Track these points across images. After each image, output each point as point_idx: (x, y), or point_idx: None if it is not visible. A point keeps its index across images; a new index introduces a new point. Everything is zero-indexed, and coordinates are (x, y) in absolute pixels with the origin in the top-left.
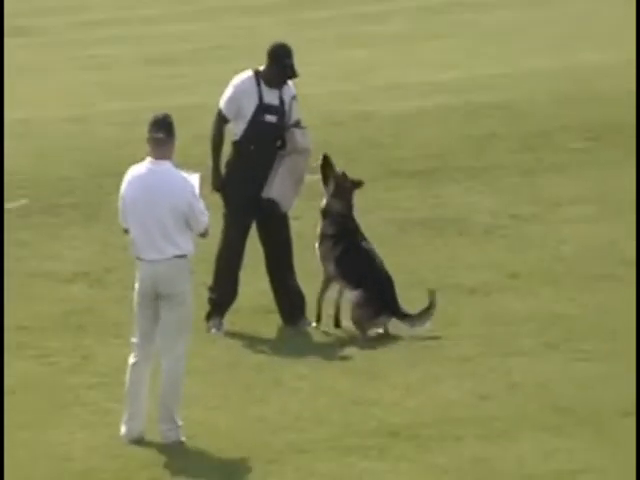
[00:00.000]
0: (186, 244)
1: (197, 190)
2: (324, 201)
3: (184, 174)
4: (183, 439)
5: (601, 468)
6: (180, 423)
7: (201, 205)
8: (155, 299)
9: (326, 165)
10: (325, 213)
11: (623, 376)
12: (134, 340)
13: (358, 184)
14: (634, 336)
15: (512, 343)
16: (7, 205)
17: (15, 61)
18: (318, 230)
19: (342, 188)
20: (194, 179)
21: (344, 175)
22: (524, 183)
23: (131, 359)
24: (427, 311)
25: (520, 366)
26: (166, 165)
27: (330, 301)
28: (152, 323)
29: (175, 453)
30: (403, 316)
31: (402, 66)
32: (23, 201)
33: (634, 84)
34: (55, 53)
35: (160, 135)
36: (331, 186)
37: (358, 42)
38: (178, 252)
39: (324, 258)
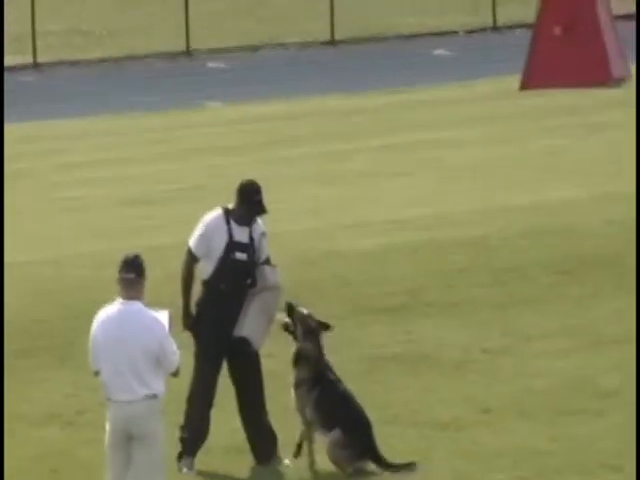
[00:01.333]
0: (157, 384)
1: (167, 328)
2: (296, 347)
3: (154, 313)
4: None
5: None
6: None
7: (172, 345)
8: (127, 440)
9: (290, 311)
10: (296, 359)
11: None
12: None
13: (325, 326)
14: (611, 470)
15: (485, 478)
16: None
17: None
18: (292, 378)
19: (308, 329)
20: (163, 316)
21: (309, 316)
22: (495, 317)
23: None
24: (409, 466)
25: None
26: (137, 305)
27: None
28: (124, 465)
29: None
30: (385, 465)
31: (369, 203)
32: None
33: (602, 219)
34: (37, 196)
35: (130, 275)
36: (298, 330)
37: (326, 180)
38: (149, 392)
39: (301, 405)
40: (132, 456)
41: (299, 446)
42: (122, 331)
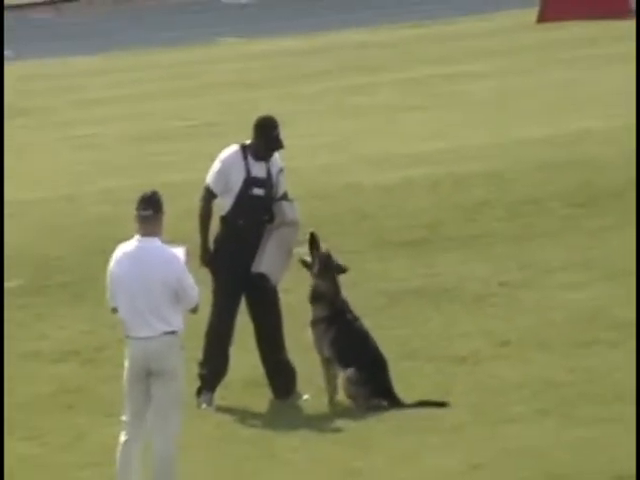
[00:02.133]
0: (176, 320)
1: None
2: (311, 283)
3: (172, 249)
4: None
5: None
6: None
7: (191, 280)
8: (146, 377)
9: (312, 243)
10: (313, 298)
11: (616, 441)
12: (124, 418)
13: (342, 269)
14: (627, 400)
15: (504, 411)
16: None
17: (15, 142)
18: (310, 316)
19: (326, 268)
20: (180, 252)
21: (329, 256)
22: (514, 250)
23: (122, 437)
24: (420, 404)
25: (512, 433)
26: (155, 242)
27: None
28: (143, 401)
29: None
30: (397, 404)
31: (388, 137)
32: (17, 281)
33: (620, 150)
34: (51, 133)
35: (148, 212)
36: (316, 266)
37: (344, 114)
38: (168, 328)
39: (319, 342)
40: (151, 392)
41: (328, 381)
42: (140, 267)
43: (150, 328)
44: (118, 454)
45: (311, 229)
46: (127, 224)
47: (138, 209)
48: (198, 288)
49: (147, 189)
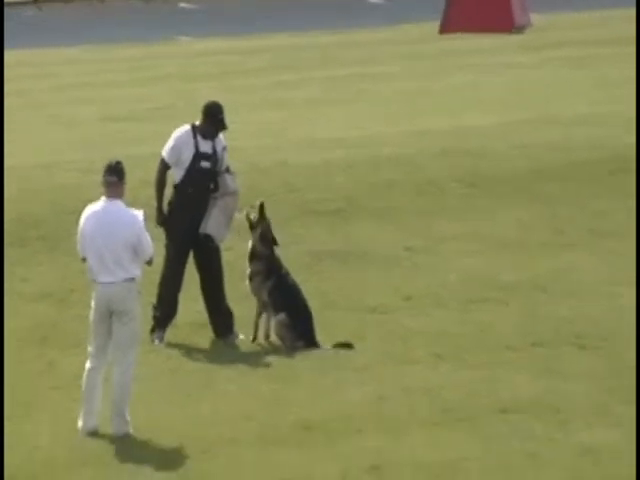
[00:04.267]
0: (135, 269)
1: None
2: (250, 244)
3: (132, 211)
4: (131, 431)
5: (478, 456)
6: (128, 419)
7: (147, 238)
8: (109, 316)
9: (261, 210)
10: (253, 255)
11: (500, 381)
12: (90, 350)
13: (276, 243)
14: (514, 348)
15: (406, 354)
16: None
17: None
18: (248, 270)
19: (264, 236)
20: (139, 214)
21: (269, 225)
22: (418, 222)
23: (87, 365)
24: (338, 346)
25: (413, 373)
26: (118, 204)
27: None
28: (106, 336)
29: (123, 443)
30: (317, 346)
31: (314, 125)
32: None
33: (505, 142)
34: (29, 112)
35: (113, 179)
36: (258, 231)
37: (278, 105)
38: (128, 276)
39: (257, 291)
40: (112, 329)
41: (256, 325)
42: (105, 225)
43: (113, 275)
44: (84, 379)
45: (261, 199)
46: (95, 189)
47: (104, 175)
48: (153, 244)
49: (112, 159)
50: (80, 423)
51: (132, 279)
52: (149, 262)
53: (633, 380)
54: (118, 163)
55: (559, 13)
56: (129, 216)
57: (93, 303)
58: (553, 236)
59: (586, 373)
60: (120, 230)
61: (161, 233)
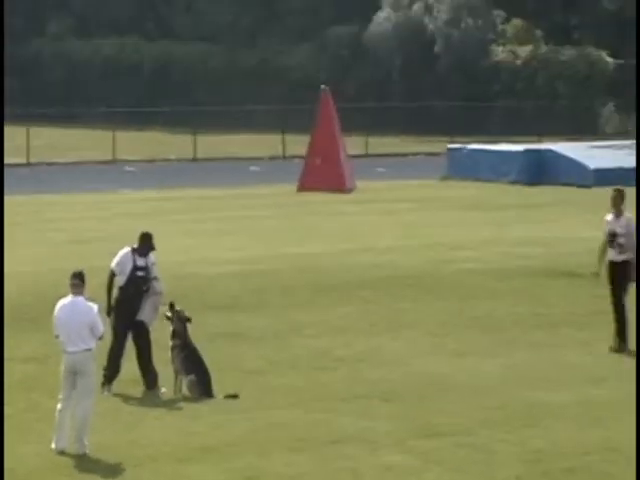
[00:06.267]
0: (91, 343)
1: (97, 313)
2: (172, 327)
3: (90, 304)
4: (87, 452)
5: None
6: (86, 443)
7: (100, 322)
8: (73, 374)
9: (171, 307)
10: (172, 334)
11: (332, 421)
12: (60, 396)
13: (188, 319)
14: (340, 400)
15: (274, 402)
16: None
17: None
18: (170, 343)
19: (179, 319)
20: (94, 307)
21: (181, 312)
22: (281, 313)
23: (58, 406)
24: (228, 397)
25: (278, 414)
26: (80, 299)
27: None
28: (71, 388)
29: (82, 459)
30: (213, 396)
31: (213, 248)
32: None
33: (338, 263)
34: (25, 235)
35: (77, 281)
36: (175, 318)
37: (189, 234)
38: (87, 347)
39: (174, 359)
40: (76, 383)
41: (176, 380)
42: (72, 313)
43: (76, 346)
44: (56, 416)
45: (170, 299)
46: (66, 288)
47: (71, 279)
48: (103, 326)
49: (77, 269)
50: (53, 445)
51: (90, 349)
52: (100, 338)
53: (422, 422)
54: (80, 271)
55: (375, 181)
56: (88, 307)
57: (62, 365)
58: (368, 325)
59: (389, 417)
60: (82, 316)
61: (109, 319)
